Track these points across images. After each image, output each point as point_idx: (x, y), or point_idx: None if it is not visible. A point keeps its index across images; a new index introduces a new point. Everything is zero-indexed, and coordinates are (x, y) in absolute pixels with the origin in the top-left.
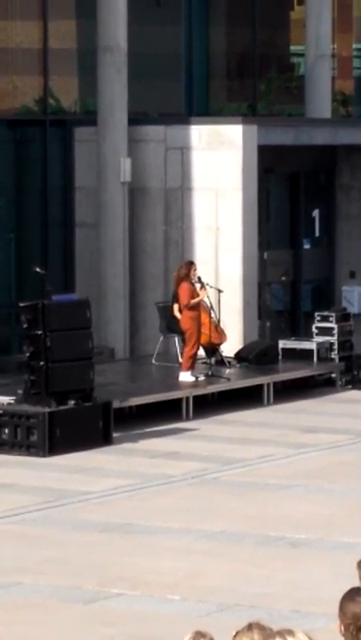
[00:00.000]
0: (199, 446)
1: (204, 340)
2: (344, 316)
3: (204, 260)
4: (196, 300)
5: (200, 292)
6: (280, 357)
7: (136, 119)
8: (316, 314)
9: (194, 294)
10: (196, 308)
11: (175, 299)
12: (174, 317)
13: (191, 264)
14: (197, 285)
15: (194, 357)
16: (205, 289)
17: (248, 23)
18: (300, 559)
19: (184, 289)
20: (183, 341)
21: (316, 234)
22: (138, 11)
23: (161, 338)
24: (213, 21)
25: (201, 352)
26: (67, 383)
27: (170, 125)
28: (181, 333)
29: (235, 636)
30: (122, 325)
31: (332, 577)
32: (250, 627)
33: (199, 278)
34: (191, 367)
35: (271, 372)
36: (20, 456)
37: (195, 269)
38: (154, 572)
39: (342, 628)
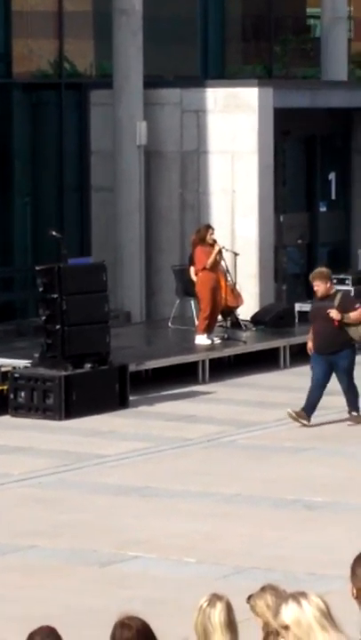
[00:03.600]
0: (215, 409)
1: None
2: None
3: (221, 224)
4: (211, 258)
5: (213, 249)
6: (296, 320)
7: (152, 82)
8: (333, 276)
9: (209, 257)
10: (214, 270)
11: (192, 261)
12: (191, 280)
13: (209, 227)
14: (215, 248)
15: (211, 320)
16: (217, 245)
17: None
18: (316, 522)
19: (200, 252)
20: (199, 304)
21: (333, 197)
22: None
23: (177, 301)
24: None
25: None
26: (83, 346)
27: (186, 88)
28: (197, 296)
29: (249, 598)
30: (138, 289)
31: (348, 539)
32: (263, 589)
33: (214, 240)
34: (207, 330)
35: (287, 335)
36: (36, 419)
37: (211, 233)
38: (170, 535)
39: (354, 591)
